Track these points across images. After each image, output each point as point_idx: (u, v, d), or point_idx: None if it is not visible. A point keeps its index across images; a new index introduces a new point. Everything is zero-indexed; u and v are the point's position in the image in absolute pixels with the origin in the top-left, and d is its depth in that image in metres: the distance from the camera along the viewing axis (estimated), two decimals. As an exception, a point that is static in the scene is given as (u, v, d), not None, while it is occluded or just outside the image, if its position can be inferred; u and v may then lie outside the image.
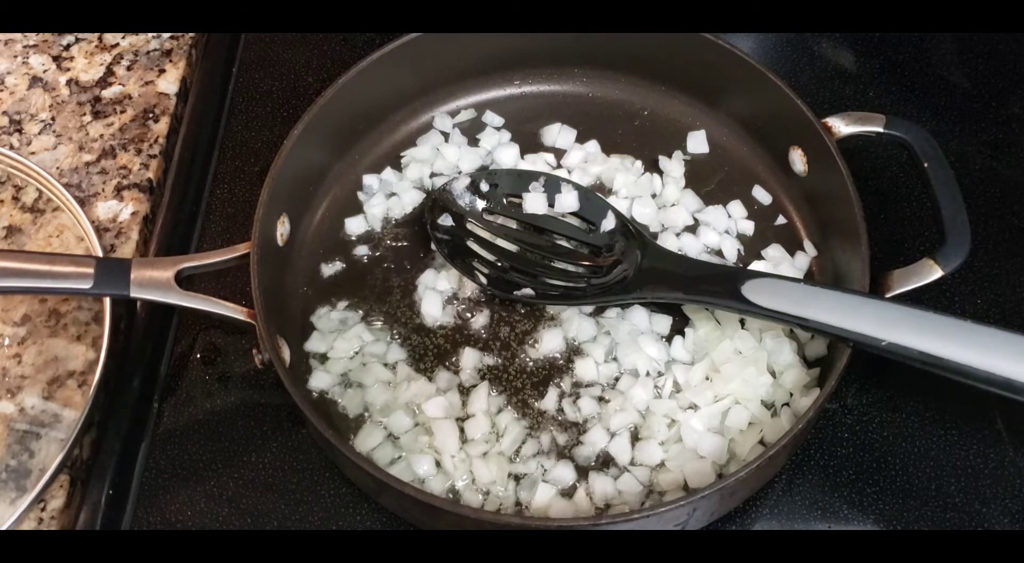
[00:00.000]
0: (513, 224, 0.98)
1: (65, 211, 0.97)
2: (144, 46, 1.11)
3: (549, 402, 0.89)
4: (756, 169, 1.01)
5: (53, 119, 1.05)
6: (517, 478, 0.85)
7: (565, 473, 0.85)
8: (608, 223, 0.95)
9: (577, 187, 0.97)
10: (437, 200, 0.97)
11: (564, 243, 0.96)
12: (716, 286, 0.86)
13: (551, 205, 0.97)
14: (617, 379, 0.89)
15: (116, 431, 0.90)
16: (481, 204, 0.98)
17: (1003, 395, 0.76)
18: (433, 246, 0.96)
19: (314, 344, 0.92)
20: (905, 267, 0.84)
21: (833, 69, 1.11)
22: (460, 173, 1.01)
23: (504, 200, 0.98)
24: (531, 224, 0.97)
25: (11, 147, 1.02)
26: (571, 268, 0.94)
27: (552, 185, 0.97)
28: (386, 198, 1.00)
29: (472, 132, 1.04)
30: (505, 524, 0.77)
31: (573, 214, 0.97)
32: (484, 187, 0.98)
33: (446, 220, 0.97)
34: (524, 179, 0.98)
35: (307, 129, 0.92)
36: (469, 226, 0.97)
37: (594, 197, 0.97)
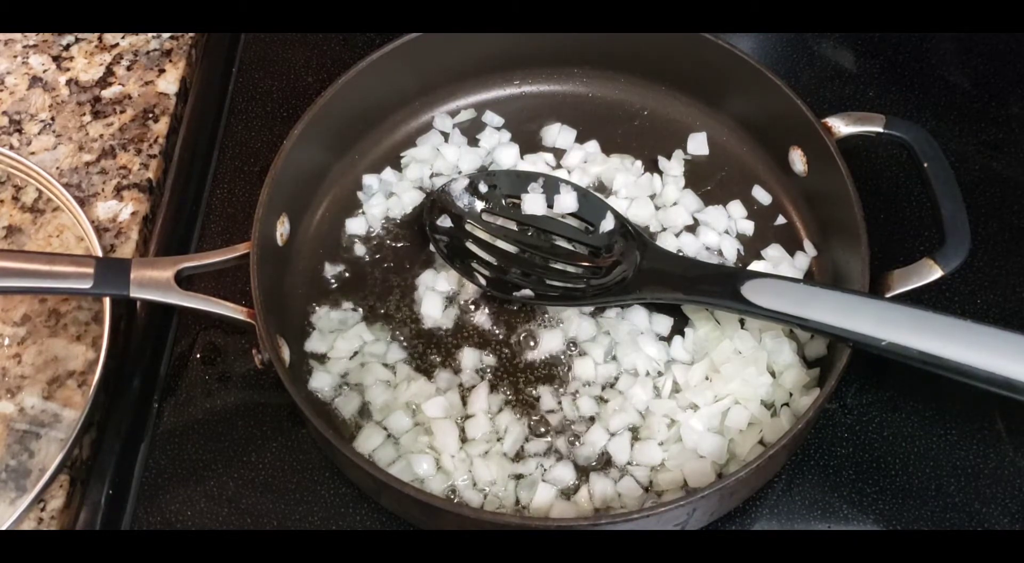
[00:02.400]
0: (512, 225, 0.98)
1: (65, 211, 0.97)
2: (144, 46, 1.11)
3: (549, 402, 0.89)
4: (756, 169, 1.01)
5: (53, 119, 1.05)
6: (517, 478, 0.85)
7: (565, 473, 0.85)
8: (607, 224, 0.95)
9: (576, 188, 0.97)
10: (436, 201, 0.97)
11: (563, 244, 0.96)
12: (715, 286, 0.86)
13: (550, 206, 0.97)
14: (616, 379, 0.89)
15: (116, 431, 0.90)
16: (480, 205, 0.98)
17: (1003, 395, 0.76)
18: (432, 247, 0.96)
19: (314, 344, 0.92)
20: (905, 267, 0.83)
21: (833, 69, 1.11)
22: (460, 173, 1.01)
23: (503, 201, 0.98)
24: (530, 225, 0.97)
25: (11, 147, 1.02)
26: (571, 269, 0.94)
27: (551, 186, 0.97)
28: (386, 198, 1.00)
29: (472, 132, 1.04)
30: (505, 524, 0.77)
31: (572, 215, 0.97)
32: (483, 188, 0.98)
33: (445, 221, 0.97)
34: (523, 180, 0.98)
35: (307, 129, 0.92)
36: (468, 227, 0.97)
37: (593, 198, 0.97)
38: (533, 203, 0.97)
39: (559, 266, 0.94)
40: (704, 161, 1.02)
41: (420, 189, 1.01)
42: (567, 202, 0.97)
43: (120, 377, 0.92)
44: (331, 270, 0.96)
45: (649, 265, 0.91)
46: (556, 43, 1.03)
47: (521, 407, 0.89)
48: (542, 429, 0.88)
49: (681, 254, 0.95)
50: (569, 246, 0.96)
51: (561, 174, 1.00)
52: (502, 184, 0.98)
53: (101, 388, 0.86)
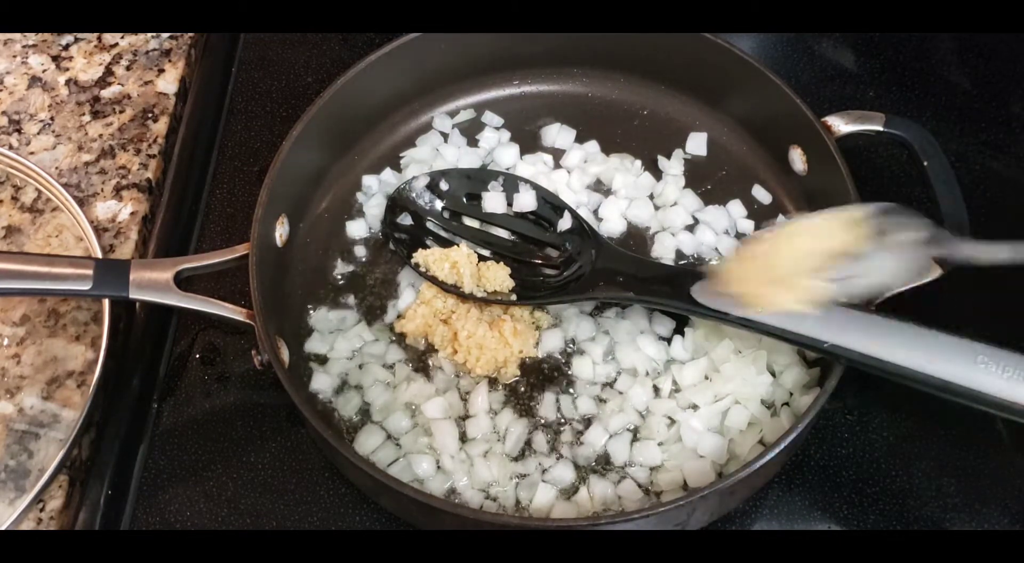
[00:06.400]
0: (472, 222, 0.98)
1: (64, 211, 0.97)
2: (143, 46, 1.11)
3: (548, 402, 0.89)
4: (756, 168, 1.00)
5: (52, 119, 1.05)
6: (518, 478, 0.85)
7: (565, 473, 0.85)
8: (564, 223, 0.95)
9: (535, 187, 0.97)
10: (396, 200, 0.97)
11: (521, 242, 0.96)
12: (666, 286, 0.87)
13: (509, 204, 0.97)
14: (616, 378, 0.89)
15: (115, 431, 0.90)
16: (440, 204, 0.98)
17: (943, 397, 0.76)
18: (391, 246, 0.96)
19: (314, 345, 0.92)
20: (905, 266, 0.83)
21: (833, 69, 1.11)
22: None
23: (463, 199, 0.98)
24: (489, 223, 0.97)
25: (10, 147, 1.02)
26: (528, 267, 0.94)
27: (510, 185, 0.97)
28: (385, 199, 1.00)
29: (471, 132, 1.04)
30: (505, 524, 0.77)
31: (531, 214, 0.97)
32: (444, 186, 0.98)
33: (405, 219, 0.97)
34: (483, 178, 0.98)
35: (306, 129, 0.92)
36: (428, 225, 0.97)
37: (552, 197, 0.97)
38: (494, 201, 0.97)
39: (517, 264, 0.94)
40: (704, 161, 1.02)
41: (419, 189, 1.01)
42: (526, 201, 0.97)
43: (119, 377, 0.92)
44: (330, 271, 0.96)
45: (603, 264, 0.91)
46: (556, 43, 1.03)
47: (520, 407, 0.89)
48: (541, 429, 0.88)
49: (634, 254, 0.95)
50: (527, 244, 0.96)
51: (561, 174, 1.01)
52: (462, 182, 0.99)
53: (100, 388, 0.86)
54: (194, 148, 1.07)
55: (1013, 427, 0.88)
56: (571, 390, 0.89)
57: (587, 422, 0.87)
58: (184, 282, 0.85)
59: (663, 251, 0.96)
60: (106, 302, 0.90)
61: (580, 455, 0.86)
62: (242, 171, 1.05)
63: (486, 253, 0.95)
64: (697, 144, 1.02)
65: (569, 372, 0.90)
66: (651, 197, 1.00)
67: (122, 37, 1.11)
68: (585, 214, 0.98)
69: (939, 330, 0.77)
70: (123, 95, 1.07)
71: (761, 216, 0.98)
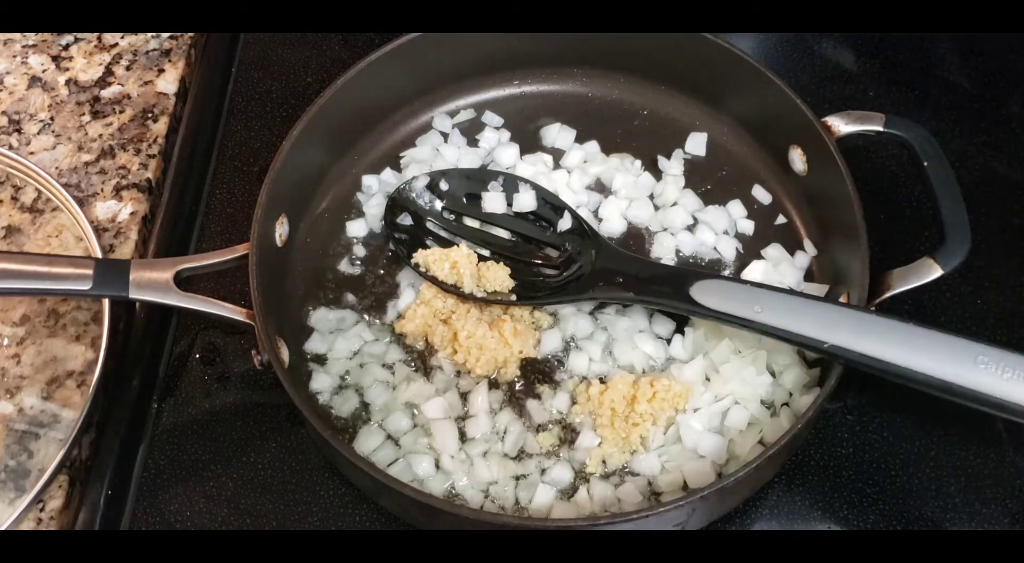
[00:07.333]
0: (472, 223, 0.98)
1: (64, 211, 0.97)
2: (143, 46, 1.11)
3: (548, 401, 0.89)
4: (756, 168, 1.00)
5: (52, 119, 1.05)
6: (517, 479, 0.85)
7: (564, 473, 0.85)
8: (565, 223, 0.95)
9: (535, 187, 0.97)
10: (396, 200, 0.98)
11: (521, 242, 0.96)
12: (665, 287, 0.87)
13: (509, 204, 0.97)
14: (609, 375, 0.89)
15: (115, 431, 0.90)
16: (440, 204, 0.98)
17: (944, 398, 0.76)
18: (391, 246, 0.96)
19: (314, 345, 0.92)
20: (905, 266, 0.83)
21: (833, 69, 1.11)
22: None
23: (463, 199, 0.98)
24: (489, 223, 0.97)
25: (10, 147, 1.02)
26: (528, 267, 0.94)
27: (510, 185, 0.97)
28: (385, 199, 1.00)
29: (471, 132, 1.04)
30: (504, 524, 0.77)
31: (531, 214, 0.97)
32: (444, 186, 0.98)
33: (405, 219, 0.97)
34: (482, 178, 0.98)
35: (306, 129, 0.92)
36: (429, 225, 0.97)
37: (552, 197, 0.97)
38: (493, 201, 0.97)
39: (517, 264, 0.94)
40: (704, 161, 1.02)
41: (419, 189, 1.01)
42: (526, 201, 0.97)
43: (119, 377, 0.92)
44: (330, 271, 0.96)
45: (603, 264, 0.91)
46: (556, 43, 1.03)
47: (520, 406, 0.89)
48: (540, 429, 0.88)
49: (634, 254, 0.95)
50: (527, 244, 0.96)
51: (561, 174, 1.01)
52: (462, 182, 0.99)
53: (100, 388, 0.86)
54: (194, 148, 1.07)
55: (1013, 427, 0.88)
56: (567, 388, 0.89)
57: (584, 422, 0.87)
58: (184, 282, 0.85)
59: (663, 251, 0.96)
60: (106, 302, 0.90)
61: (576, 459, 0.86)
62: (242, 171, 1.05)
63: (486, 253, 0.95)
64: (697, 144, 1.02)
65: (567, 371, 0.90)
66: (651, 197, 1.00)
67: (122, 37, 1.11)
68: (585, 214, 0.98)
69: (939, 330, 0.77)
70: (123, 95, 1.07)
71: (761, 216, 0.98)
